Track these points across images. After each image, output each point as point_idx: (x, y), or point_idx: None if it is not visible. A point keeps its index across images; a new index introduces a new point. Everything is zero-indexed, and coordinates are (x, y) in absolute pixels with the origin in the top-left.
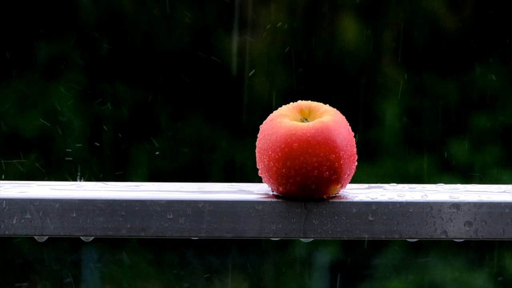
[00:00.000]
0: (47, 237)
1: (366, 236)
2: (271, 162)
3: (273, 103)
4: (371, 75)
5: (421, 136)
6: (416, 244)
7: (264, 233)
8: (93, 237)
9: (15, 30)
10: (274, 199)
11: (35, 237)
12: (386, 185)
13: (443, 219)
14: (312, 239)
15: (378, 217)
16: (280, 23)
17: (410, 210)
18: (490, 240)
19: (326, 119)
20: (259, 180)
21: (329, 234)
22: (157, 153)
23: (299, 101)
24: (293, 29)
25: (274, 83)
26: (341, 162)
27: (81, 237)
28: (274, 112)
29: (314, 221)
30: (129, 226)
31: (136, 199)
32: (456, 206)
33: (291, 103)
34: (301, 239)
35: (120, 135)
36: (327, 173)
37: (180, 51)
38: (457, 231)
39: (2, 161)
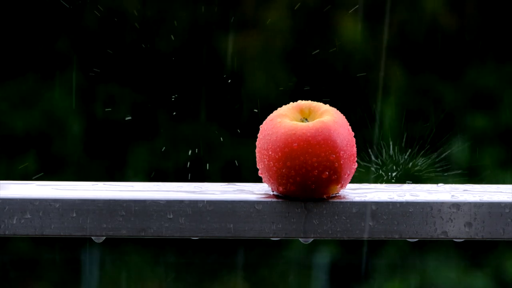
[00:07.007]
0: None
1: (366, 236)
2: (271, 162)
3: (273, 103)
4: (371, 75)
5: (421, 136)
6: (416, 244)
7: (264, 233)
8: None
9: (14, 29)
10: (274, 199)
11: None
12: (386, 185)
13: (443, 219)
14: (312, 239)
15: (378, 217)
16: (280, 22)
17: (410, 210)
18: (490, 240)
19: (326, 119)
20: (259, 180)
21: (329, 234)
22: (156, 153)
23: (299, 101)
24: (293, 29)
25: (274, 83)
26: (341, 162)
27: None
28: (274, 112)
29: (314, 221)
30: (129, 226)
31: (136, 199)
32: (456, 206)
33: (291, 103)
34: (301, 240)
35: (119, 135)
36: (327, 173)
37: (179, 50)
38: (457, 231)
39: (1, 161)
